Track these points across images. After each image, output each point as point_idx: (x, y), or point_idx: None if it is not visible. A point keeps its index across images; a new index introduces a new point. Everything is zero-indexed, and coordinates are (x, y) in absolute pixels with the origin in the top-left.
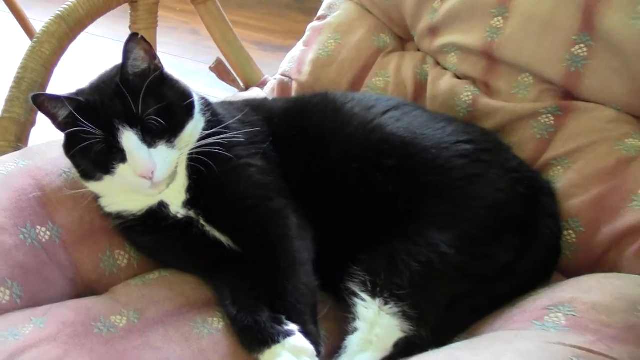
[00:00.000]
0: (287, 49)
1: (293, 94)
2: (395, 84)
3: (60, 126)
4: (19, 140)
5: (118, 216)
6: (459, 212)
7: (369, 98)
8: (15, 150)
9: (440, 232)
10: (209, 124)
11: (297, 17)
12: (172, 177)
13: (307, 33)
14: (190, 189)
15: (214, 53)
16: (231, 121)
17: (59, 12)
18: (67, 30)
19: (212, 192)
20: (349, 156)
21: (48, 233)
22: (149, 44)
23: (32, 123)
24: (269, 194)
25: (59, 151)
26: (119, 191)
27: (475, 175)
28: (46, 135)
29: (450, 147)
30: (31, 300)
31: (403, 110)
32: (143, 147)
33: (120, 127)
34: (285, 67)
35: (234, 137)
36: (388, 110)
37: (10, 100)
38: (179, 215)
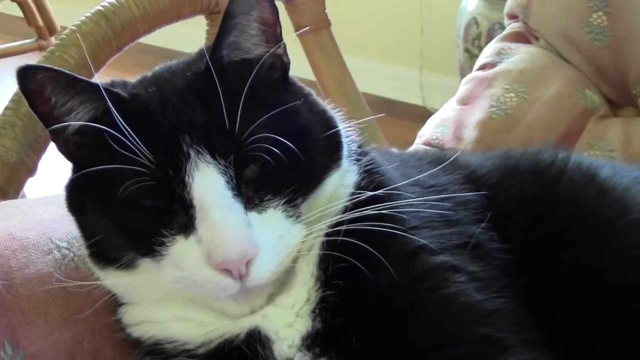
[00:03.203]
0: None
1: None
2: (625, 160)
3: (71, 144)
4: (1, 191)
5: (154, 349)
6: None
7: (621, 167)
8: None
9: None
10: (367, 179)
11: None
12: (284, 280)
13: (464, 87)
14: (322, 312)
15: None
16: (406, 181)
17: (100, 8)
18: (108, 33)
19: (374, 321)
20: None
21: None
22: (275, 9)
23: (29, 169)
24: (500, 335)
25: (57, 211)
26: (164, 296)
27: None
28: None
29: None
30: None
31: None
32: (235, 205)
33: (192, 153)
34: (430, 134)
35: (419, 210)
36: None
37: (0, 128)
38: None
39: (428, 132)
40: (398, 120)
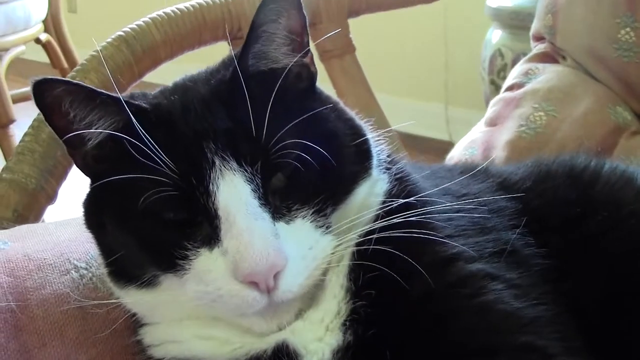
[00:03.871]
0: None
1: None
2: None
3: (89, 158)
4: (20, 217)
5: None
6: None
7: None
8: None
9: None
10: (398, 187)
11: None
12: (312, 294)
13: (491, 109)
14: (353, 324)
15: None
16: (435, 189)
17: (121, 33)
18: (129, 57)
19: (408, 331)
20: None
21: None
22: (303, 17)
23: (49, 195)
24: (542, 343)
25: (74, 232)
26: (187, 314)
27: None
28: None
29: None
30: None
31: None
32: (262, 214)
33: (217, 161)
34: (459, 156)
35: (453, 218)
36: None
37: (19, 154)
38: None
39: (457, 154)
40: (425, 156)
